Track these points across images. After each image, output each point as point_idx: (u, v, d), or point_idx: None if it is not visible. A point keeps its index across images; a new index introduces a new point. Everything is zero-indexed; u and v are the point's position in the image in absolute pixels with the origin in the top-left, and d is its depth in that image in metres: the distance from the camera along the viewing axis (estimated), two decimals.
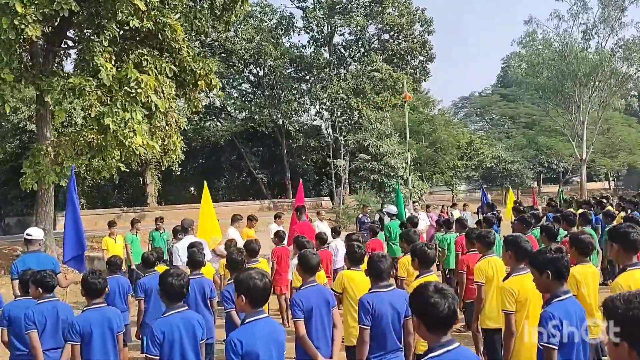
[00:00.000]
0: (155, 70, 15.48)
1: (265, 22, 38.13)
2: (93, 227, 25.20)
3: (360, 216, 14.41)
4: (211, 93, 27.54)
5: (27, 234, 5.61)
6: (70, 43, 17.01)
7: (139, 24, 14.90)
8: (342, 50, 39.35)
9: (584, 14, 39.98)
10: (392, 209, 11.13)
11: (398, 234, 10.18)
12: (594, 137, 40.49)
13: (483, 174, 38.76)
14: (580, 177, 41.77)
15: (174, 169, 29.51)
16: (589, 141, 40.43)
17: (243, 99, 38.61)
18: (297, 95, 37.71)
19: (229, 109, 40.94)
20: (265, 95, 37.90)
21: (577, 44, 40.68)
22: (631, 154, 43.43)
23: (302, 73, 38.36)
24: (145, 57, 15.63)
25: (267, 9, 38.97)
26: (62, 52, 17.15)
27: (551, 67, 40.92)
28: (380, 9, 36.98)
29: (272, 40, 35.76)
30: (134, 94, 14.20)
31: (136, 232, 10.99)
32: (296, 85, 37.77)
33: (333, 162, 28.01)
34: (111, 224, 10.66)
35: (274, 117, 37.60)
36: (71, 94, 14.58)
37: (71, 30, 16.48)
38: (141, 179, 34.03)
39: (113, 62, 14.29)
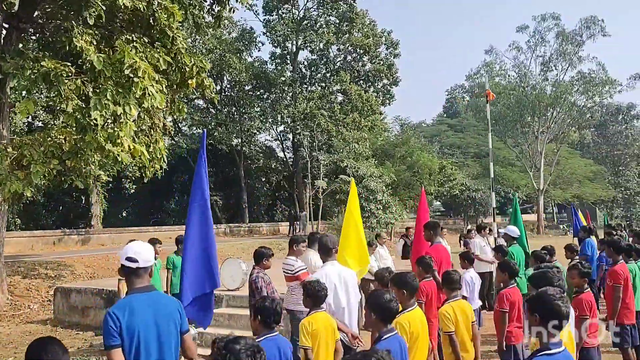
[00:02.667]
0: (146, 61, 12.77)
1: (225, 35, 35.77)
2: (30, 250, 21.47)
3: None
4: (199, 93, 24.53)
5: (129, 258, 3.04)
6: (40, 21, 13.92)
7: (130, 2, 12.20)
8: (304, 69, 37.60)
9: (541, 46, 40.72)
10: (513, 230, 8.70)
11: (523, 263, 8.12)
12: (552, 168, 40.87)
13: (446, 202, 37.83)
14: (537, 207, 41.91)
15: (127, 186, 26.11)
16: (545, 172, 40.75)
17: (199, 114, 35.67)
18: (258, 113, 35.35)
19: (180, 125, 37.84)
20: (224, 112, 35.36)
21: (534, 77, 41.28)
22: (585, 186, 44.25)
23: (263, 90, 36.14)
24: (135, 44, 12.87)
25: (226, 21, 36.69)
26: (30, 30, 13.99)
27: (510, 97, 41.17)
28: (348, 28, 35.75)
29: (235, 53, 33.42)
30: (128, 84, 11.41)
31: (155, 256, 8.22)
32: (258, 102, 35.42)
33: (311, 182, 25.80)
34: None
35: (233, 135, 35.02)
36: (42, 81, 11.53)
37: (44, 5, 13.42)
38: (83, 198, 30.18)
39: (94, 48, 11.45)
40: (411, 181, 28.75)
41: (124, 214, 35.09)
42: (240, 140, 36.43)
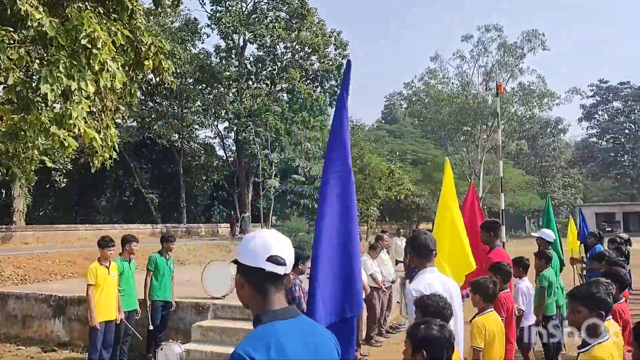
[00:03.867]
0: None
1: (168, 24, 33.78)
2: None
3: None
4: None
5: (274, 258, 1.70)
6: None
7: None
8: (250, 65, 36.20)
9: (484, 57, 41.52)
10: (548, 234, 7.44)
11: (558, 269, 7.33)
12: (492, 177, 41.73)
13: (390, 207, 37.60)
14: None
15: (58, 179, 23.67)
16: (484, 180, 41.56)
17: (136, 105, 33.31)
18: (202, 108, 33.55)
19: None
20: (164, 105, 33.31)
21: (474, 86, 42.06)
22: (515, 195, 45.57)
23: (206, 84, 34.35)
24: (89, 13, 11.20)
25: (169, 9, 34.67)
26: None
27: (452, 104, 41.72)
28: (298, 25, 34.77)
29: (180, 43, 31.52)
30: (85, 56, 9.78)
31: (129, 257, 6.74)
32: (201, 97, 33.62)
33: (261, 182, 24.44)
34: (106, 243, 6.22)
35: (172, 129, 33.02)
36: None
37: None
38: (3, 191, 27.25)
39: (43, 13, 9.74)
40: (362, 184, 28.08)
41: (48, 210, 32.10)
42: (180, 135, 34.47)
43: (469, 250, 4.75)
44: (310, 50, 36.46)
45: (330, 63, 36.71)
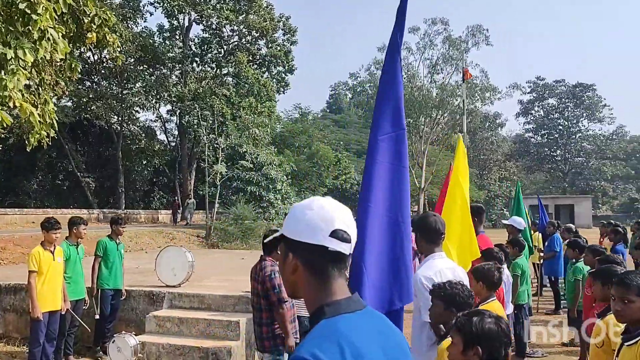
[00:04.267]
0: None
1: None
2: None
3: None
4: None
5: (339, 233, 1.35)
6: None
7: None
8: (195, 47, 35.04)
9: (430, 49, 42.05)
10: (519, 222, 7.22)
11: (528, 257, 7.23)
12: (434, 168, 42.51)
13: (335, 196, 37.60)
14: (417, 205, 43.33)
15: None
16: (427, 171, 42.28)
17: (73, 83, 31.48)
18: (143, 89, 32.13)
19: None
20: (103, 85, 31.70)
21: (420, 78, 42.60)
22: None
23: (147, 65, 32.91)
24: None
25: None
26: None
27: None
28: (246, 8, 33.88)
29: (121, 20, 29.96)
30: (23, 21, 8.92)
31: (77, 241, 6.09)
32: (142, 78, 32.19)
33: (207, 168, 23.61)
34: (51, 225, 5.55)
35: (111, 111, 31.47)
36: None
37: None
38: None
39: None
40: (310, 172, 27.82)
41: None
42: (119, 117, 32.94)
43: (474, 235, 4.45)
44: (258, 34, 35.65)
45: (279, 48, 36.08)
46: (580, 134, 56.28)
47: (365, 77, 46.79)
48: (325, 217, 1.41)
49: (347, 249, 1.41)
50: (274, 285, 4.24)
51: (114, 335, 6.07)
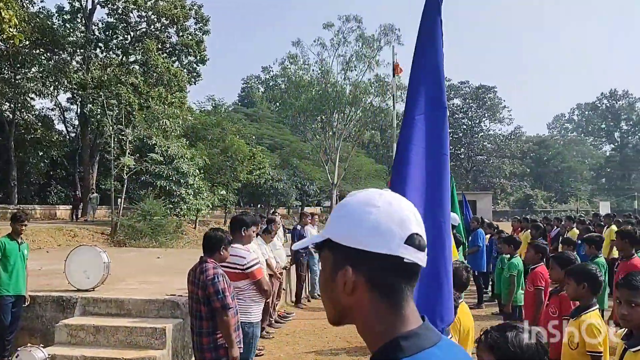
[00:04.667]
0: None
1: None
2: None
3: (299, 228, 10.37)
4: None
5: (418, 239, 0.95)
6: None
7: None
8: (98, 32, 32.87)
9: (343, 46, 42.37)
10: (454, 217, 7.01)
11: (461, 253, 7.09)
12: (347, 164, 42.95)
13: (249, 191, 36.92)
14: (330, 200, 43.61)
15: None
16: (340, 167, 42.64)
17: None
18: (40, 75, 29.57)
19: None
20: None
21: (333, 75, 42.84)
22: (369, 182, 47.54)
23: (43, 49, 30.35)
24: None
25: None
26: None
27: (312, 91, 42.12)
28: None
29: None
30: None
31: (20, 239, 5.15)
32: (39, 62, 29.62)
33: (115, 160, 22.02)
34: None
35: (2, 97, 28.72)
36: None
37: None
38: None
39: None
40: (223, 166, 26.94)
41: None
42: (12, 104, 30.16)
43: None
44: (168, 21, 34.10)
45: (190, 37, 34.73)
46: (482, 134, 59.41)
47: (278, 72, 46.24)
48: (398, 218, 1.00)
49: (423, 259, 1.01)
50: (217, 290, 3.72)
51: (17, 348, 5.23)
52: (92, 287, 6.32)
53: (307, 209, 47.58)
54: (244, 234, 4.55)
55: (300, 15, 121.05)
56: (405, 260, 0.97)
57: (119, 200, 22.74)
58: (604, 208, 32.90)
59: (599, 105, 76.05)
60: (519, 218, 13.46)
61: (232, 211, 33.64)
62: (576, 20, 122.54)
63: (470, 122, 59.27)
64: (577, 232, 10.45)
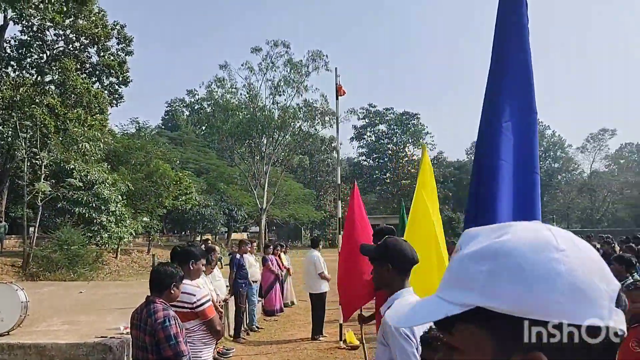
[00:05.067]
0: None
1: None
2: None
3: (238, 257, 9.71)
4: None
5: (622, 297, 0.61)
6: None
7: None
8: (10, 50, 30.87)
9: (272, 71, 42.30)
10: None
11: None
12: (276, 189, 42.53)
13: (174, 217, 35.57)
14: (259, 226, 42.89)
15: None
16: (269, 192, 42.15)
17: None
18: None
19: None
20: None
21: (262, 99, 42.65)
22: (297, 207, 47.32)
23: None
24: None
25: None
26: None
27: (240, 115, 41.70)
28: (75, 11, 30.75)
29: None
30: None
31: None
32: None
33: (28, 185, 20.32)
34: None
35: None
36: None
37: None
38: None
39: None
40: (148, 191, 25.73)
41: None
42: None
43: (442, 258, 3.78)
44: (88, 41, 32.68)
45: (112, 58, 33.36)
46: (406, 159, 60.94)
47: (204, 95, 45.37)
48: (595, 265, 0.65)
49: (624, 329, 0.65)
50: (168, 336, 3.21)
51: None
52: (6, 330, 5.51)
53: (234, 235, 46.56)
54: (192, 268, 4.05)
55: (228, 39, 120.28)
56: (618, 333, 0.63)
57: (32, 229, 21.05)
58: None
59: None
60: (453, 241, 13.57)
61: (156, 239, 32.16)
62: (488, 49, 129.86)
63: (395, 148, 60.74)
64: None
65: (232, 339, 9.02)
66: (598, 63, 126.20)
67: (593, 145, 76.55)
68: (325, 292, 9.81)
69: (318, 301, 9.61)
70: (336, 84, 8.63)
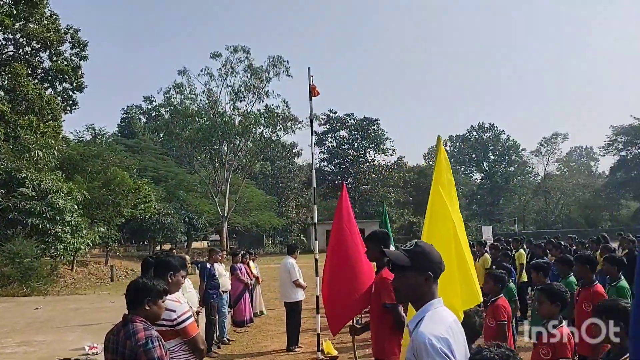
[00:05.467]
0: None
1: None
2: None
3: (208, 266, 9.16)
4: None
5: None
6: None
7: None
8: None
9: (232, 77, 41.73)
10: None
11: None
12: (238, 196, 41.88)
13: (133, 227, 34.47)
14: (220, 234, 42.10)
15: None
16: (231, 200, 41.46)
17: None
18: None
19: None
20: None
21: (222, 105, 42.00)
22: (260, 214, 46.70)
23: None
24: None
25: None
26: None
27: (200, 121, 40.96)
28: (26, 14, 29.56)
29: None
30: None
31: None
32: None
33: None
34: None
35: None
36: None
37: None
38: None
39: None
40: (105, 200, 24.77)
41: None
42: None
43: (474, 272, 3.38)
44: (40, 45, 31.45)
45: (65, 63, 32.16)
46: (367, 164, 61.13)
47: (162, 101, 44.32)
48: None
49: None
50: (152, 359, 2.84)
51: None
52: None
53: (194, 244, 45.54)
54: (171, 280, 3.68)
55: (186, 44, 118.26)
56: None
57: None
58: (486, 232, 34.84)
59: (469, 137, 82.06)
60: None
61: (114, 249, 31.03)
62: (447, 57, 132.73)
63: (356, 153, 60.83)
64: (490, 258, 10.59)
65: None
66: (550, 67, 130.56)
67: (547, 148, 78.71)
68: (301, 301, 9.44)
69: (293, 310, 9.26)
70: (309, 84, 8.33)
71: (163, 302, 3.14)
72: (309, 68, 8.34)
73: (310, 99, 8.40)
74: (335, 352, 7.88)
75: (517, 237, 13.85)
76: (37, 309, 10.09)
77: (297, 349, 8.90)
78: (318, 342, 8.22)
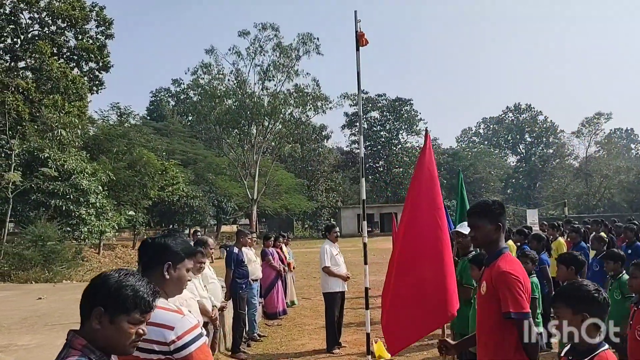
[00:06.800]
0: None
1: None
2: None
3: (236, 251, 7.96)
4: None
5: None
6: None
7: None
8: None
9: (260, 55, 40.38)
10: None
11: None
12: (267, 179, 40.79)
13: (161, 209, 33.69)
14: (249, 218, 41.13)
15: None
16: (260, 183, 40.40)
17: None
18: None
19: None
20: None
21: (250, 85, 40.78)
22: (289, 197, 45.61)
23: None
24: None
25: None
26: None
27: (227, 101, 39.84)
28: None
29: None
30: None
31: None
32: None
33: None
34: None
35: None
36: None
37: None
38: None
39: None
40: (131, 182, 23.89)
41: None
42: None
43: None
44: (65, 24, 30.67)
45: (91, 41, 31.33)
46: (400, 146, 59.32)
47: (190, 82, 43.25)
48: None
49: None
50: None
51: None
52: None
53: (224, 228, 44.71)
54: (167, 276, 2.35)
55: (214, 22, 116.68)
56: None
57: (4, 223, 19.19)
58: (531, 216, 32.96)
59: (504, 118, 79.20)
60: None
61: (142, 232, 30.28)
62: (482, 41, 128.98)
63: (388, 135, 59.04)
64: (564, 243, 9.09)
65: (229, 354, 7.32)
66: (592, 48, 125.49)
67: (589, 129, 75.16)
68: (338, 292, 7.96)
69: (328, 303, 7.90)
70: (356, 31, 6.92)
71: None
72: (355, 12, 6.92)
73: (357, 49, 6.98)
74: (388, 356, 6.52)
75: (555, 222, 11.27)
76: (40, 299, 9.05)
77: (338, 350, 7.57)
78: (367, 342, 6.87)
